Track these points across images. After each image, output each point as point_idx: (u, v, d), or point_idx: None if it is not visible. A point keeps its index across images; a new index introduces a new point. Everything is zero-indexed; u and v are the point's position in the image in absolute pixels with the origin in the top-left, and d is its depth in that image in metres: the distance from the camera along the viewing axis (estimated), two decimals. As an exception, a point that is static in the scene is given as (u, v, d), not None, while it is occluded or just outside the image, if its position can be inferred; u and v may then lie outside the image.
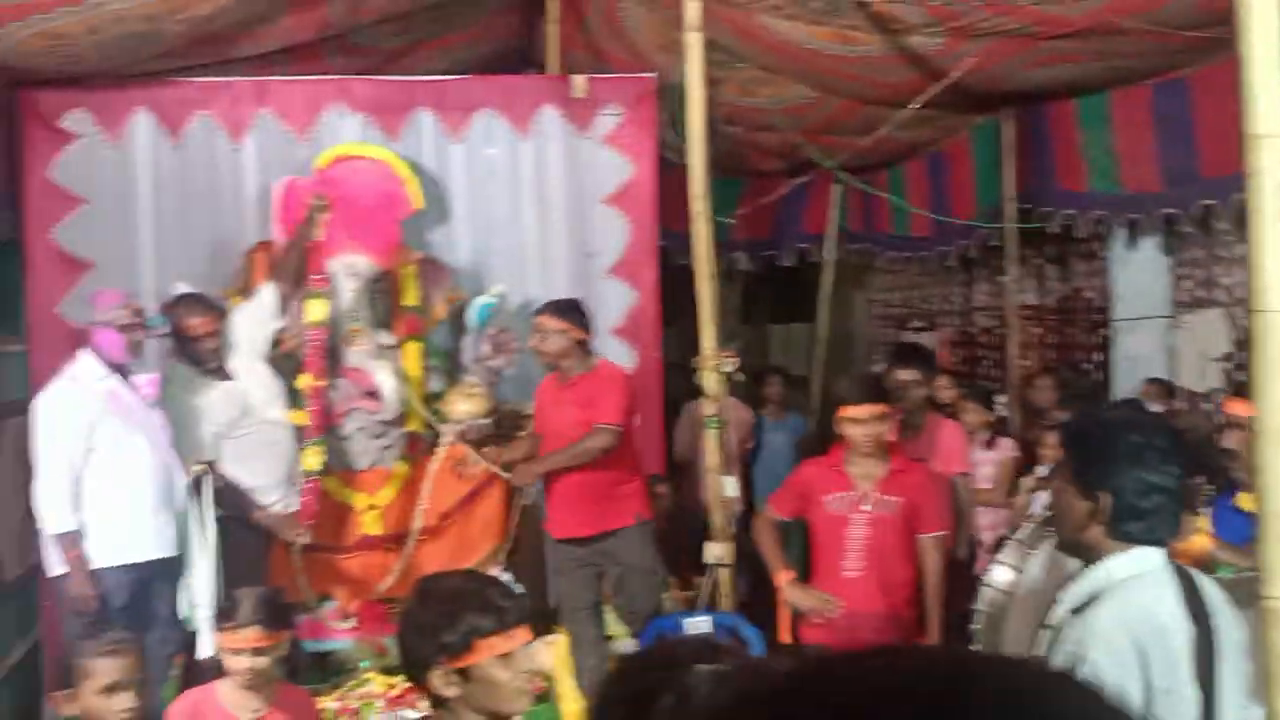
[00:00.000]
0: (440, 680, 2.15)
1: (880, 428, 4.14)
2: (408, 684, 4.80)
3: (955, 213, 7.20)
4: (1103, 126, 6.03)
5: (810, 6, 5.14)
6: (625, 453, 4.79)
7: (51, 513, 4.29)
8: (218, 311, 4.96)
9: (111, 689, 2.88)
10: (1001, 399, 6.35)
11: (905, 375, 4.87)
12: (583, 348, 4.86)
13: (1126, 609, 2.17)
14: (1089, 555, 2.31)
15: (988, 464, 5.68)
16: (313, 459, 5.07)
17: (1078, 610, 2.23)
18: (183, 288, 5.07)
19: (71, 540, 4.28)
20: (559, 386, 4.90)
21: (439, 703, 2.20)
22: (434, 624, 2.16)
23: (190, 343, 4.79)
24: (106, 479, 4.36)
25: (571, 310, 4.89)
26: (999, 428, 5.98)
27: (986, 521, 5.41)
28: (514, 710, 2.23)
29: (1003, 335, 8.03)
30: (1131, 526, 2.24)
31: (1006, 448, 5.74)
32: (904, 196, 7.77)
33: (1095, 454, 2.28)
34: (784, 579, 4.25)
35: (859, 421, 4.11)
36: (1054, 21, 4.76)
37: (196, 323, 4.78)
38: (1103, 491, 2.23)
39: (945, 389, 6.60)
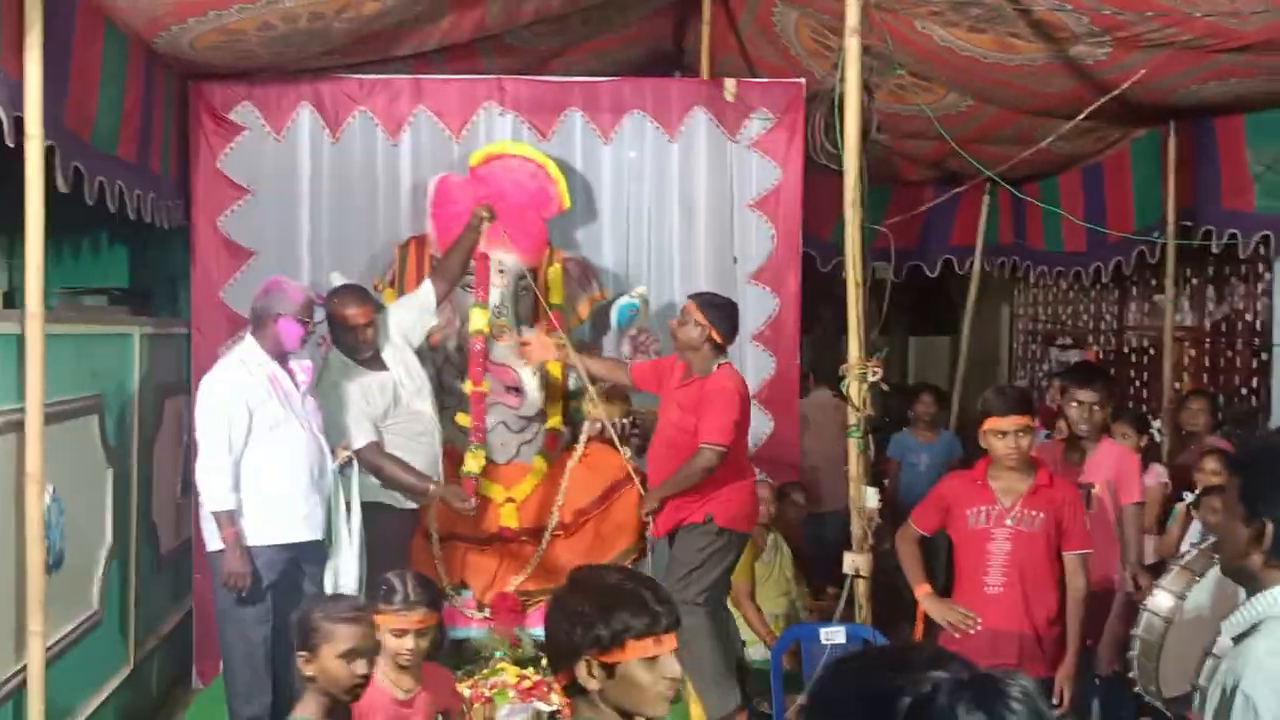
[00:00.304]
0: (584, 671, 2.17)
1: (1025, 441, 4.04)
2: (539, 676, 4.87)
3: (1111, 228, 6.99)
4: (1273, 144, 5.80)
5: (971, 13, 5.05)
6: (727, 461, 4.77)
7: (213, 490, 4.42)
8: (374, 303, 5.08)
9: (349, 654, 2.99)
10: (1155, 423, 6.11)
11: (1086, 396, 4.66)
12: (714, 350, 4.85)
13: None
14: (1251, 584, 2.23)
15: (1139, 489, 5.50)
16: (473, 462, 5.16)
17: (1239, 639, 2.15)
18: (339, 279, 5.21)
19: (229, 518, 4.41)
20: (679, 382, 4.93)
21: (578, 691, 2.21)
22: (588, 615, 2.17)
23: (348, 331, 4.90)
24: (265, 460, 4.48)
25: (718, 308, 4.88)
26: (1152, 452, 5.76)
27: (1135, 548, 5.23)
28: (652, 714, 2.23)
29: (1155, 356, 7.78)
30: None
31: (1158, 473, 5.54)
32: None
33: (1262, 479, 2.20)
34: (922, 592, 4.19)
35: (1004, 434, 4.02)
36: (1228, 35, 4.59)
37: (355, 312, 4.90)
38: (1268, 518, 2.15)
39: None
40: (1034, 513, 4.02)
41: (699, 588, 4.80)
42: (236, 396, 4.45)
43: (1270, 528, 2.13)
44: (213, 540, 4.49)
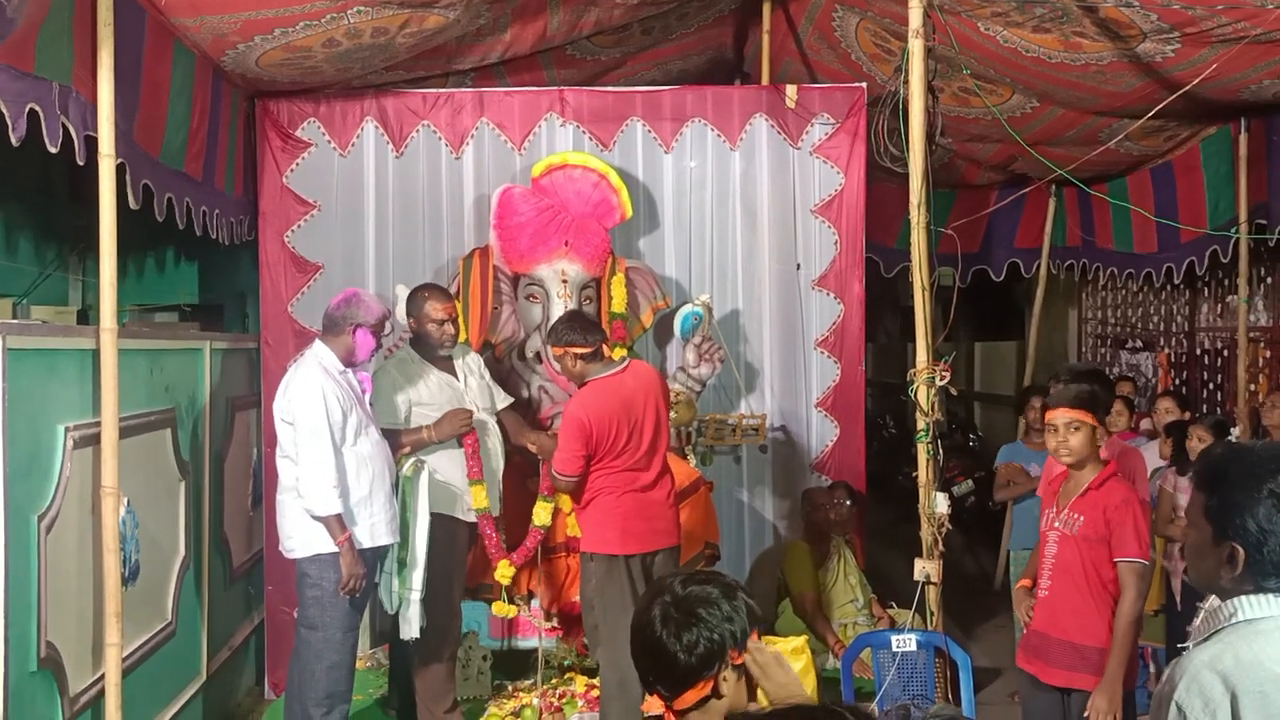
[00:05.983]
0: (725, 677, 2.17)
1: (1076, 439, 3.81)
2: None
3: (1183, 226, 6.85)
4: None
5: (1035, 13, 4.99)
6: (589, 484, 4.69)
7: (323, 495, 4.36)
8: (454, 303, 5.10)
9: None
10: (1234, 429, 5.92)
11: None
12: (592, 359, 4.72)
13: (1227, 651, 1.95)
14: (1222, 595, 2.09)
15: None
16: (480, 498, 5.13)
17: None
18: (404, 291, 5.21)
19: (339, 521, 4.38)
20: None
21: (696, 707, 2.18)
22: (729, 616, 2.18)
23: (430, 324, 4.94)
24: (354, 464, 4.48)
25: (558, 330, 4.79)
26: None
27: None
28: (753, 700, 2.24)
29: (1229, 358, 7.62)
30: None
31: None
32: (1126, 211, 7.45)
33: (1231, 497, 2.05)
34: (1019, 584, 4.18)
35: (1055, 429, 3.88)
36: (1303, 25, 4.48)
37: (440, 306, 4.94)
38: (1237, 542, 2.02)
39: (1167, 412, 6.28)
40: (1076, 516, 3.84)
41: (601, 621, 4.66)
42: (331, 400, 4.41)
43: (1242, 553, 2.01)
44: (303, 547, 4.44)
